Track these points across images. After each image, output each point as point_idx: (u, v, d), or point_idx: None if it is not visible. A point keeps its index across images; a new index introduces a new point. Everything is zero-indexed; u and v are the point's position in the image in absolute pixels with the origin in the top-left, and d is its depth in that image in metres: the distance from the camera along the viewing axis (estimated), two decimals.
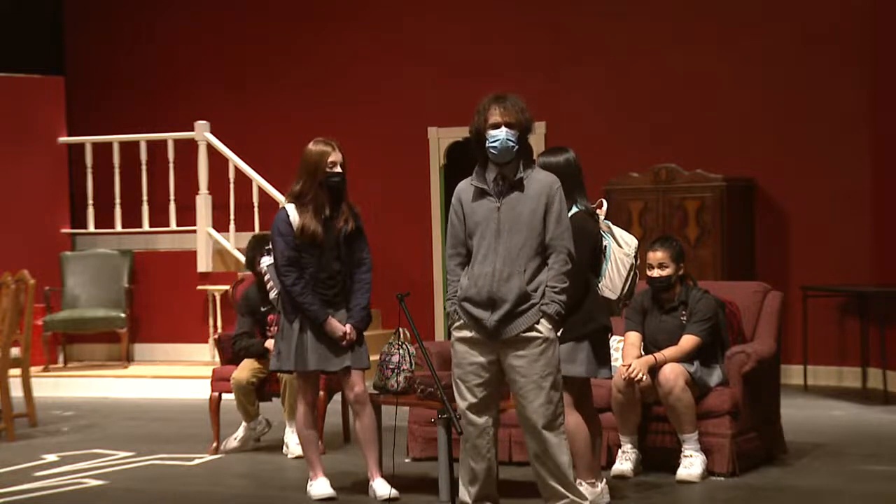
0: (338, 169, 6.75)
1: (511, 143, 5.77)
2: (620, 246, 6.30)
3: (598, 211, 6.38)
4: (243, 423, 8.31)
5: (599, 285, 6.25)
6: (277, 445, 8.25)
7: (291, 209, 6.78)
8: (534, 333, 5.74)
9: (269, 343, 7.88)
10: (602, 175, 10.63)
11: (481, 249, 5.79)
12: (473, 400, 5.83)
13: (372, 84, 12.75)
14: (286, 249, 6.75)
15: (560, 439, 5.79)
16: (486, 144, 5.79)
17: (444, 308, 6.05)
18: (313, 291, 6.72)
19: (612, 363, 6.57)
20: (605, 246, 6.28)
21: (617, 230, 6.39)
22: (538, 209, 5.77)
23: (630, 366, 6.97)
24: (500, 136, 5.77)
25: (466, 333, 5.83)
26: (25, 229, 12.53)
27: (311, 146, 6.81)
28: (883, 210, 10.73)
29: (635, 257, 6.33)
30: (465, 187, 5.92)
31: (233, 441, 8.31)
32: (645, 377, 6.97)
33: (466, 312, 5.81)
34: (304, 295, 6.71)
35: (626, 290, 6.29)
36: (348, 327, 6.76)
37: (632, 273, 6.30)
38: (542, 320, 5.74)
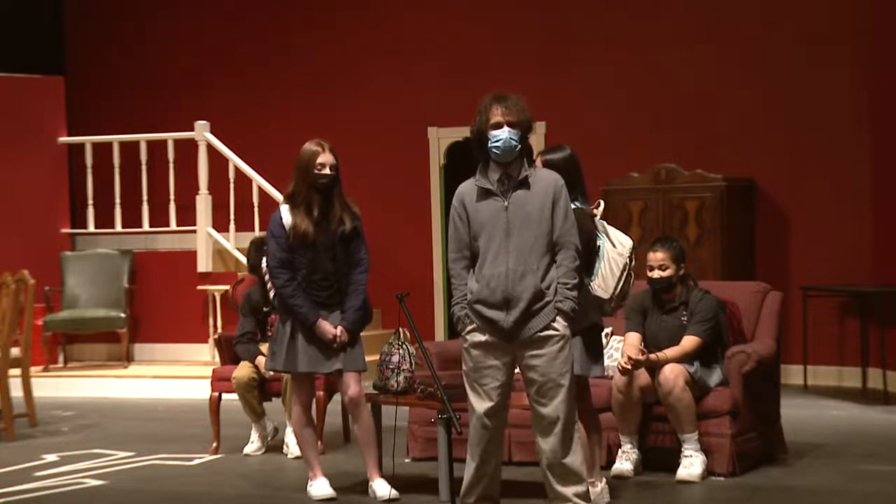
0: (326, 171, 6.71)
1: (514, 143, 5.74)
2: (614, 246, 6.30)
3: (594, 211, 6.38)
4: (253, 426, 8.28)
5: (592, 284, 6.24)
6: (277, 445, 8.25)
7: (285, 210, 6.77)
8: (550, 332, 5.71)
9: (265, 347, 7.88)
10: (602, 175, 10.63)
11: (490, 249, 5.74)
12: (491, 403, 5.78)
13: (372, 84, 12.75)
14: (278, 251, 6.73)
15: (576, 437, 5.79)
16: (489, 144, 5.76)
17: (451, 313, 5.95)
18: (306, 293, 6.69)
19: (612, 363, 6.56)
20: (599, 245, 6.28)
21: (612, 230, 6.39)
22: (546, 206, 5.75)
23: (627, 359, 6.97)
24: (502, 135, 5.74)
25: (480, 337, 5.77)
26: (25, 229, 12.53)
27: (303, 147, 6.80)
28: (883, 210, 10.73)
29: (630, 258, 6.32)
30: (467, 189, 5.87)
31: (250, 445, 8.25)
32: (641, 357, 6.96)
33: (479, 315, 5.75)
34: (295, 297, 6.68)
35: (618, 290, 6.27)
36: (339, 329, 6.72)
37: (625, 273, 6.28)
38: (558, 318, 5.71)
